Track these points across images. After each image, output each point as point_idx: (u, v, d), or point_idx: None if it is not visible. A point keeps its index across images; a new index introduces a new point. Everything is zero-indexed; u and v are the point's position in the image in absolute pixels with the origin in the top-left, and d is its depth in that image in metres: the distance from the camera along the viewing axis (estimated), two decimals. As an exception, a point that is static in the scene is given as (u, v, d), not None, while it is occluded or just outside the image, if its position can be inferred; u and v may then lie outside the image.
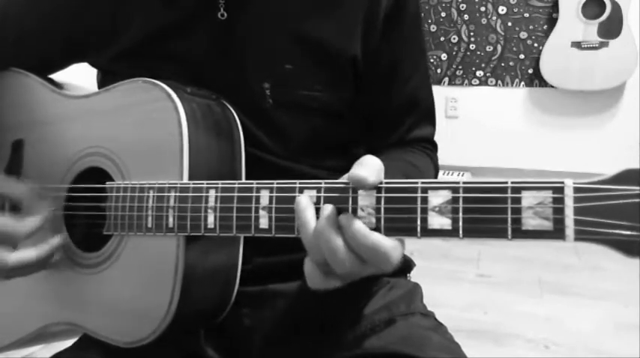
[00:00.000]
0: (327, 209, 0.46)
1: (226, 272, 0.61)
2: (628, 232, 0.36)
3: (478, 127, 3.30)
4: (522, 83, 3.20)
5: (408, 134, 0.73)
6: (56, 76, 0.75)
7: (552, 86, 3.05)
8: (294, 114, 0.66)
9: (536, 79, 3.16)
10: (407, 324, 0.68)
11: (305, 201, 0.48)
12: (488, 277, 2.26)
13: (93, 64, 0.72)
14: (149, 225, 0.57)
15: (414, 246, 2.14)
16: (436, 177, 0.75)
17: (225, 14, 0.64)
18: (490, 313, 1.97)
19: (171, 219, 0.56)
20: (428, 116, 0.76)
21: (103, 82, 0.71)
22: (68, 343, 0.72)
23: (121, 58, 0.67)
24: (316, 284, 0.49)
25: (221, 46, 0.65)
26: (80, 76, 0.76)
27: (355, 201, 0.46)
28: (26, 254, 0.59)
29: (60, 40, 0.70)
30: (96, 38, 0.68)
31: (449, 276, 2.26)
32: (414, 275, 0.79)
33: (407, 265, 0.78)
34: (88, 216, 0.65)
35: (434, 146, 0.77)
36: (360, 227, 0.45)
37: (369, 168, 0.46)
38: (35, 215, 0.61)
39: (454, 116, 3.30)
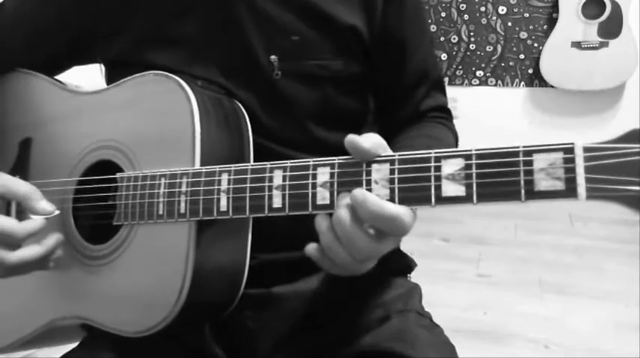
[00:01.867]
0: (343, 197, 0.48)
1: (235, 262, 0.61)
2: (637, 188, 0.37)
3: (478, 127, 3.29)
4: (522, 83, 3.20)
5: (420, 105, 0.74)
6: (60, 78, 0.75)
7: (552, 86, 3.05)
8: (302, 84, 0.66)
9: (536, 79, 3.16)
10: (401, 321, 0.68)
11: (324, 224, 0.49)
12: (488, 277, 2.25)
13: (100, 58, 0.72)
14: (160, 212, 0.58)
15: (414, 246, 2.13)
16: (457, 144, 0.76)
17: None
18: (490, 313, 1.97)
19: (183, 205, 0.56)
20: (438, 85, 0.77)
21: (110, 76, 0.71)
22: (70, 347, 0.72)
23: (130, 49, 0.67)
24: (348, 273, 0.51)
25: (226, 23, 0.65)
26: (82, 77, 0.77)
27: (369, 173, 0.47)
28: (26, 252, 0.60)
29: (66, 39, 0.71)
30: (102, 34, 0.68)
31: (449, 276, 2.25)
32: (414, 275, 0.80)
33: (407, 265, 0.78)
34: (97, 208, 0.65)
35: (449, 114, 0.78)
36: (373, 201, 0.45)
37: (365, 137, 0.48)
38: (37, 216, 0.61)
39: (454, 116, 3.29)
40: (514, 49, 3.18)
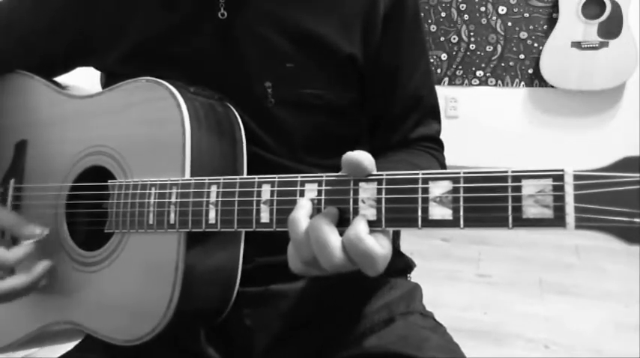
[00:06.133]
0: (328, 208, 0.47)
1: (227, 271, 0.61)
2: (627, 219, 0.36)
3: (478, 127, 3.30)
4: (522, 83, 3.20)
5: (411, 132, 0.73)
6: (60, 79, 0.76)
7: (552, 86, 3.05)
8: (296, 112, 0.66)
9: (536, 79, 3.15)
10: (406, 324, 0.68)
11: (304, 201, 0.48)
12: (488, 277, 2.25)
13: (97, 67, 0.73)
14: (150, 222, 0.57)
15: (414, 247, 2.14)
16: None
17: (226, 13, 0.64)
18: (490, 313, 1.97)
19: (172, 215, 0.56)
20: (431, 113, 0.76)
21: (107, 84, 0.71)
22: (69, 346, 0.72)
23: (123, 60, 0.67)
24: (297, 269, 0.49)
25: (222, 45, 0.65)
26: (81, 78, 0.77)
27: (356, 193, 0.46)
28: (16, 281, 0.60)
29: (64, 41, 0.70)
30: (99, 41, 0.68)
31: (449, 276, 2.25)
32: (414, 276, 0.79)
33: (407, 265, 0.78)
34: (90, 215, 0.65)
35: (440, 145, 0.77)
36: (360, 230, 0.44)
37: (362, 154, 0.46)
38: (24, 242, 0.62)
39: (454, 116, 3.30)
40: (514, 49, 3.18)
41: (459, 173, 0.42)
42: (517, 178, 0.40)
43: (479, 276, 2.27)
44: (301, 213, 0.47)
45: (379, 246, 0.44)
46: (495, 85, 3.26)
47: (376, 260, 0.44)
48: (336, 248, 0.44)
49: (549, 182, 0.39)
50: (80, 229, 0.67)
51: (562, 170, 0.39)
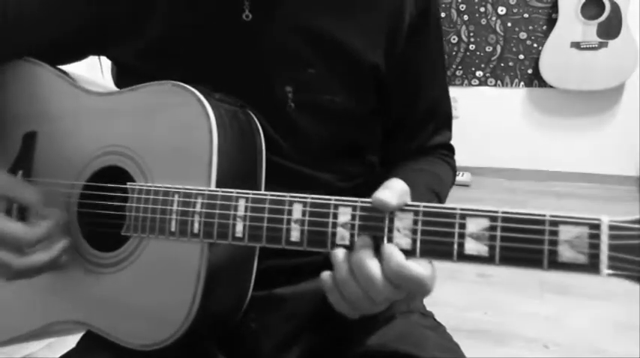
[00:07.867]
0: (363, 240, 0.48)
1: (243, 274, 0.61)
2: None
3: (478, 127, 3.30)
4: (522, 83, 3.21)
5: (428, 141, 0.74)
6: (65, 69, 0.73)
7: (552, 86, 3.05)
8: (315, 118, 0.65)
9: (535, 79, 3.16)
10: (406, 322, 0.68)
11: (341, 257, 0.49)
12: (488, 277, 2.25)
13: (112, 59, 0.71)
14: (172, 230, 0.56)
15: (414, 246, 2.13)
16: (454, 180, 0.76)
17: (251, 15, 0.63)
18: (490, 313, 1.97)
19: (196, 225, 0.55)
20: (446, 122, 0.77)
21: (120, 78, 0.70)
22: (70, 345, 0.72)
23: (142, 55, 0.66)
24: (342, 309, 0.51)
25: (245, 47, 0.64)
26: (83, 70, 0.75)
27: (392, 221, 0.47)
28: (33, 258, 0.59)
29: (75, 26, 0.68)
30: (114, 30, 0.67)
31: (449, 276, 2.25)
32: (414, 275, 0.79)
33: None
34: (105, 216, 0.64)
35: (452, 151, 0.78)
36: (400, 259, 0.45)
37: (392, 191, 0.47)
38: (44, 221, 0.60)
39: (454, 116, 3.29)
40: (514, 49, 3.19)
41: (497, 211, 0.43)
42: (555, 223, 0.41)
43: (479, 276, 2.27)
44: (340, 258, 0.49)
45: (422, 268, 0.45)
46: (495, 85, 3.26)
47: (424, 281, 0.45)
48: (381, 280, 0.46)
49: (586, 230, 0.40)
50: (91, 229, 0.66)
51: (598, 219, 0.40)
